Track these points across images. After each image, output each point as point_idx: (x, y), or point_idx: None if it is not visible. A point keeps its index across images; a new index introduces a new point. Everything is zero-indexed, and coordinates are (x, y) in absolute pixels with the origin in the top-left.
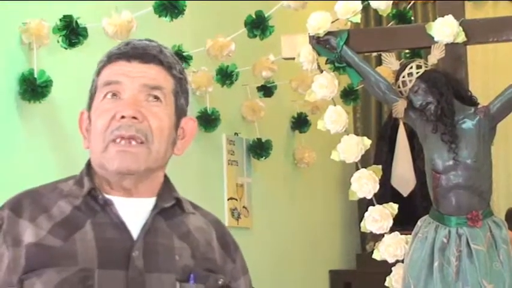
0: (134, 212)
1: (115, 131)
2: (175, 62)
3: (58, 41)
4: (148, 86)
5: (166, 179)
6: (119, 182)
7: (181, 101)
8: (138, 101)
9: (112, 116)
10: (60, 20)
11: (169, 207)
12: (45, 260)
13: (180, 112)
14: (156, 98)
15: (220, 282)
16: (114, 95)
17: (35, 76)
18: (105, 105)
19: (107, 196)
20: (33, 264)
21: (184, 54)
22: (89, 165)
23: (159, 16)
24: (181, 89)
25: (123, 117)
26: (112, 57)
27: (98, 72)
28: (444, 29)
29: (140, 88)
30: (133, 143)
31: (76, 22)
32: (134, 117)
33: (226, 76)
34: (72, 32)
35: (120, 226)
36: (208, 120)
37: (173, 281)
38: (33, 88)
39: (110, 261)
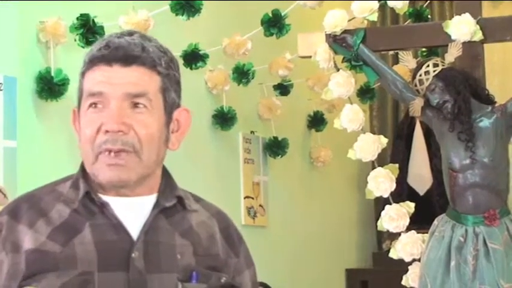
0: (133, 211)
1: (102, 144)
2: (161, 55)
3: (75, 40)
4: (131, 95)
5: (167, 175)
6: (115, 189)
7: (171, 95)
8: (123, 110)
9: (98, 127)
10: (77, 18)
11: (171, 206)
12: (45, 266)
13: (170, 107)
14: (141, 104)
15: (222, 281)
16: (97, 105)
17: (52, 75)
18: (90, 115)
19: (103, 197)
20: (33, 270)
21: (200, 52)
22: (83, 167)
23: (176, 15)
24: (170, 83)
25: (107, 131)
26: (94, 61)
27: (82, 75)
28: (461, 27)
29: (123, 97)
30: (123, 154)
31: (93, 21)
32: (120, 131)
33: (242, 75)
34: (89, 31)
35: (119, 227)
36: (224, 119)
37: (175, 281)
38: (50, 87)
39: (109, 264)
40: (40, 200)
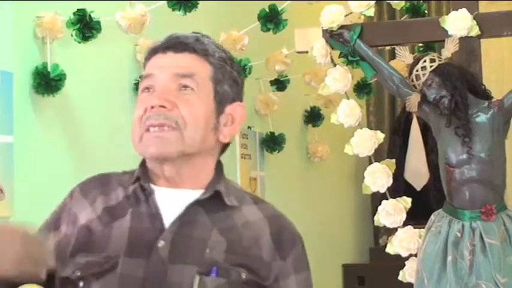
0: (176, 203)
1: (146, 121)
2: (216, 49)
3: (72, 35)
4: (178, 75)
5: (219, 171)
6: (160, 169)
7: (223, 87)
8: (169, 90)
9: (145, 108)
10: (74, 14)
11: (211, 199)
12: (84, 243)
13: (221, 99)
14: (189, 86)
15: (244, 277)
16: (149, 88)
17: (49, 70)
18: (141, 98)
19: (153, 186)
20: (78, 246)
21: None
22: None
23: (173, 10)
24: (223, 76)
25: (152, 107)
26: (151, 52)
27: (144, 66)
28: (458, 23)
29: (171, 77)
30: (166, 128)
31: (89, 16)
32: (162, 106)
33: None
34: (85, 26)
35: (156, 216)
36: None
37: (193, 273)
38: (47, 82)
39: (135, 250)
40: (108, 181)
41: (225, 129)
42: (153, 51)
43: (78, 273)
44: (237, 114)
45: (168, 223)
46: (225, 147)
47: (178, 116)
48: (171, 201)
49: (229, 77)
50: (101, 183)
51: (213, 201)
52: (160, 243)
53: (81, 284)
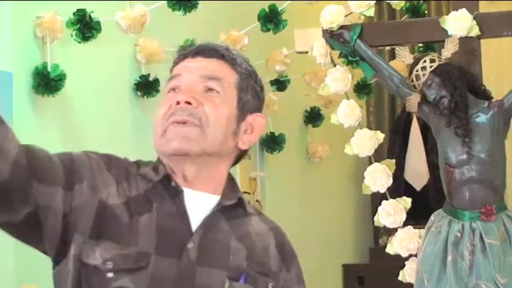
0: (197, 205)
1: (170, 117)
2: (243, 62)
3: (72, 35)
4: (206, 76)
5: (232, 179)
6: (181, 169)
7: (246, 96)
8: (196, 89)
9: (170, 104)
10: (74, 14)
11: (231, 205)
12: (110, 230)
13: (244, 106)
14: (215, 89)
15: (270, 286)
16: (175, 89)
17: (49, 70)
18: (167, 97)
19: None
20: (99, 228)
21: None
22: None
23: (173, 10)
24: (247, 87)
25: (178, 103)
26: (181, 56)
27: (171, 71)
28: (458, 23)
29: (198, 78)
30: (189, 125)
31: (89, 16)
32: (188, 103)
33: None
34: (85, 26)
35: (183, 217)
36: None
37: (223, 278)
38: (47, 82)
39: (166, 249)
40: (128, 168)
41: (244, 136)
42: (183, 56)
43: (111, 266)
44: (257, 124)
45: (192, 225)
46: (240, 156)
47: (203, 114)
48: (193, 203)
49: (253, 89)
50: (125, 166)
51: (232, 207)
52: (190, 245)
53: (110, 275)
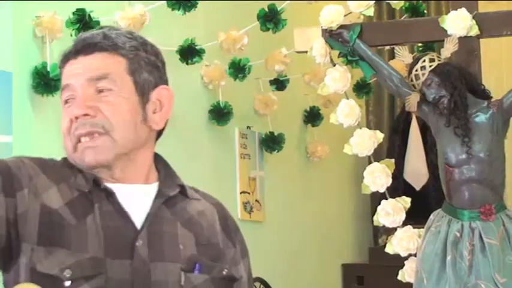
0: (135, 199)
1: (75, 131)
2: (126, 40)
3: (71, 35)
4: (93, 79)
5: (165, 164)
6: (104, 173)
7: (142, 76)
8: (89, 96)
9: (71, 118)
10: (73, 13)
11: (174, 194)
12: (58, 236)
13: (143, 88)
14: (106, 88)
15: (224, 273)
16: (69, 99)
17: (48, 69)
18: (65, 109)
19: (109, 185)
20: (46, 233)
21: (197, 47)
22: None
23: (172, 9)
24: (139, 65)
25: (76, 118)
26: (63, 59)
27: (60, 75)
28: (457, 22)
29: (87, 83)
30: (96, 135)
31: (89, 16)
32: (86, 114)
33: (238, 70)
34: (85, 26)
35: (124, 215)
36: (220, 114)
37: (178, 271)
38: (46, 81)
39: (115, 251)
40: (62, 167)
41: (155, 116)
42: (65, 59)
43: (68, 274)
44: (164, 97)
45: (135, 221)
46: (161, 132)
47: (104, 120)
48: (131, 198)
49: (147, 63)
50: (59, 166)
51: (174, 196)
52: (139, 242)
53: (67, 283)
